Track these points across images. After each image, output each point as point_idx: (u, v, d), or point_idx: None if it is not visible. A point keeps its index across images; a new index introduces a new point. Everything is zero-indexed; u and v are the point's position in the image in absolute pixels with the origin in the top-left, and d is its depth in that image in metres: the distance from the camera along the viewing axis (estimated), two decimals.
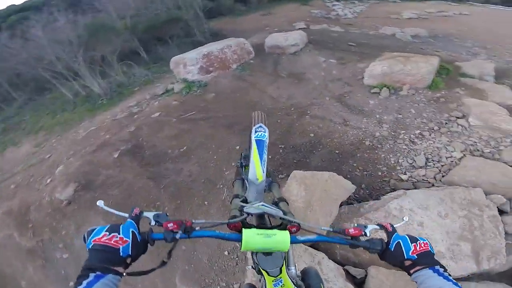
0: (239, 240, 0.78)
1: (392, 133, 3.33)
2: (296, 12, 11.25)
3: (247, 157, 1.51)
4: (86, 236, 0.67)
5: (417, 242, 0.79)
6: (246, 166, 1.46)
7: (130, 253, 0.66)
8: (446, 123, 3.23)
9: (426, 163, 2.80)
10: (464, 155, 2.74)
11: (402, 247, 0.78)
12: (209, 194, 2.98)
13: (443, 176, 2.63)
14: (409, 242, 0.79)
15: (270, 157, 3.25)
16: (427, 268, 0.74)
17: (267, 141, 1.35)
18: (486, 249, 2.04)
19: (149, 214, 0.77)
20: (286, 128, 3.72)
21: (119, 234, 0.67)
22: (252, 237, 0.78)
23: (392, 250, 0.80)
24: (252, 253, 0.94)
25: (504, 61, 6.01)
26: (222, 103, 4.47)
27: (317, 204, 2.33)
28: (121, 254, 0.65)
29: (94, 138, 4.29)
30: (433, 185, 2.60)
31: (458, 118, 3.24)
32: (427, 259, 0.76)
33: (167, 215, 0.78)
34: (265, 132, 1.37)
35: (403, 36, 7.29)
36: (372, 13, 10.83)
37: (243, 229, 0.81)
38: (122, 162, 3.46)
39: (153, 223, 0.76)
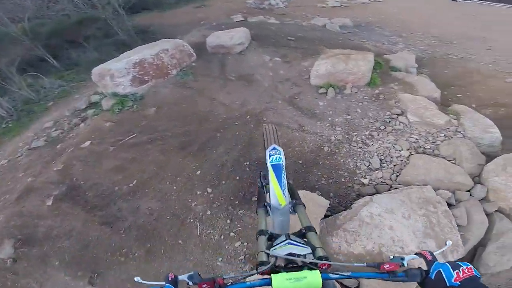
0: (270, 285, 0.78)
1: (346, 136, 3.50)
2: (232, 3, 10.77)
3: (266, 176, 1.41)
4: None
5: (460, 269, 0.76)
6: (267, 185, 1.35)
7: None
8: (390, 121, 3.53)
9: (381, 165, 3.02)
10: (411, 153, 3.04)
11: (443, 275, 0.76)
12: (180, 231, 2.68)
13: (397, 176, 2.89)
14: (451, 270, 0.76)
15: (237, 178, 3.07)
16: None
17: (284, 163, 1.31)
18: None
19: (183, 277, 0.81)
20: (247, 141, 3.56)
21: None
22: (282, 283, 0.77)
23: (433, 279, 0.77)
24: None
25: (418, 49, 6.90)
26: (167, 118, 3.97)
27: (299, 227, 2.32)
28: None
29: (11, 180, 3.37)
30: (391, 186, 2.83)
31: (398, 115, 3.56)
32: (471, 284, 0.73)
33: (199, 274, 0.82)
34: (280, 154, 1.33)
35: (332, 27, 7.69)
36: (301, 2, 11.14)
37: (272, 274, 0.80)
38: (60, 209, 2.80)
39: (190, 283, 0.80)
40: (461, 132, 3.13)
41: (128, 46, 5.60)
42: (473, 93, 4.87)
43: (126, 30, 7.34)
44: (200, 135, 3.67)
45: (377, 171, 2.97)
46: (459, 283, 0.73)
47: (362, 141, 3.38)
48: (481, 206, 2.65)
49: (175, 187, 3.03)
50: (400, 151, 3.09)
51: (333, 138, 3.48)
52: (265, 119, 3.96)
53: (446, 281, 0.74)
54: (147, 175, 3.16)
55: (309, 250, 0.92)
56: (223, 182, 3.03)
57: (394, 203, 2.54)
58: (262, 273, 0.85)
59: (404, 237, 2.34)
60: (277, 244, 0.95)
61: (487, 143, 3.05)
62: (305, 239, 1.06)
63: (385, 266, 0.81)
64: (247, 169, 3.17)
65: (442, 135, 3.15)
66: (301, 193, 2.54)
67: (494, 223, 2.63)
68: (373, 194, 2.78)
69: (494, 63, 5.78)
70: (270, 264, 0.86)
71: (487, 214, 2.66)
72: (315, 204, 2.50)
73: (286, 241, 0.94)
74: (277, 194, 1.20)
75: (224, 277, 0.81)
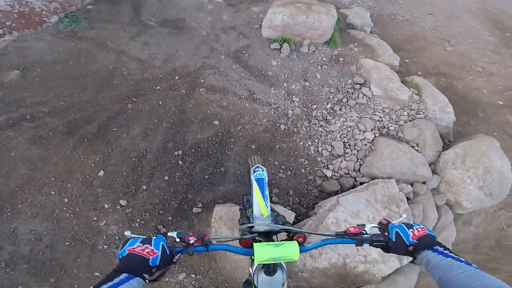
0: (251, 254, 0.84)
1: (305, 110, 2.87)
2: None
3: (249, 200, 1.44)
4: (121, 245, 0.74)
5: (414, 227, 0.83)
6: (250, 208, 1.39)
7: (157, 264, 0.73)
8: (352, 92, 3.03)
9: (344, 150, 2.57)
10: (375, 135, 2.65)
11: (402, 235, 0.82)
12: (93, 261, 1.83)
13: (360, 165, 2.50)
14: (406, 229, 0.83)
15: (166, 178, 2.17)
16: (427, 250, 0.78)
17: (267, 178, 1.40)
18: None
19: (173, 234, 0.84)
20: (176, 115, 2.56)
21: (150, 246, 0.74)
22: (264, 248, 0.83)
23: (394, 240, 0.82)
24: (253, 276, 0.94)
25: (366, 5, 6.38)
26: (41, 84, 2.52)
27: None
28: (150, 263, 0.71)
29: None
30: (355, 179, 2.43)
31: (361, 85, 3.08)
32: (427, 242, 0.79)
33: (188, 232, 0.85)
34: (263, 171, 1.43)
35: None
36: None
37: (254, 243, 0.85)
38: None
39: (177, 240, 0.83)
40: (423, 111, 2.87)
41: None
42: (418, 59, 4.77)
43: None
44: (99, 108, 2.47)
45: (340, 159, 2.51)
46: (416, 241, 0.80)
47: (323, 117, 2.81)
48: (433, 201, 2.53)
49: (66, 199, 1.96)
50: (364, 132, 2.66)
51: (291, 112, 2.81)
52: (202, 81, 2.94)
53: (405, 239, 0.80)
54: (15, 181, 1.96)
55: (286, 227, 0.98)
56: (144, 187, 2.09)
57: (360, 205, 2.18)
58: (245, 242, 0.94)
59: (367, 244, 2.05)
60: (260, 226, 1.02)
61: (444, 124, 2.90)
62: None
63: (350, 229, 0.89)
64: (180, 161, 2.27)
65: (405, 113, 2.83)
66: None
67: (440, 216, 2.57)
68: (337, 191, 2.37)
69: (435, 29, 5.78)
70: (253, 235, 0.97)
71: (436, 207, 2.57)
72: None
73: (268, 223, 1.09)
74: (260, 205, 1.23)
75: (211, 236, 0.87)
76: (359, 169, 2.49)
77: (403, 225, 0.85)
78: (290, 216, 1.99)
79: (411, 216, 2.25)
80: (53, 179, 2.00)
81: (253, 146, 2.50)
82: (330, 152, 2.57)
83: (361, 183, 2.37)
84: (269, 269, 0.89)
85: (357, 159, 2.52)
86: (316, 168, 2.47)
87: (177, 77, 2.91)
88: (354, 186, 2.42)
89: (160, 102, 2.62)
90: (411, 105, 2.90)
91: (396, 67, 3.54)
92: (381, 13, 6.27)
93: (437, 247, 0.77)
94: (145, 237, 0.78)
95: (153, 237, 0.78)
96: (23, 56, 2.73)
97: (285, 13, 3.29)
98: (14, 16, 2.82)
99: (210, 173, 2.31)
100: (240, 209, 1.68)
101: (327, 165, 2.49)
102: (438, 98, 3.05)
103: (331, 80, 3.16)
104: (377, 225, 0.92)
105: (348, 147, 2.60)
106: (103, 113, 2.43)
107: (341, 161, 2.49)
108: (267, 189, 1.33)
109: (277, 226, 0.98)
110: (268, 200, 1.28)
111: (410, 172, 2.41)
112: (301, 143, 2.61)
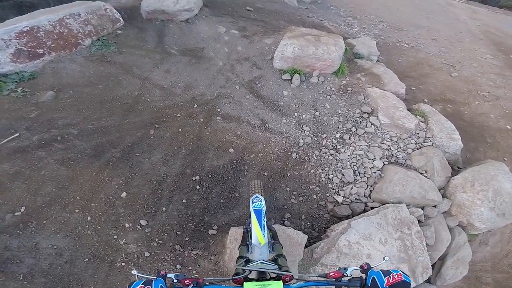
0: None
1: (315, 139, 3.02)
2: None
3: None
4: (128, 286, 0.87)
5: (390, 275, 0.90)
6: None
7: None
8: (361, 121, 3.17)
9: (354, 178, 2.67)
10: (384, 163, 2.75)
11: (377, 282, 0.90)
12: (110, 278, 1.90)
13: (371, 191, 2.59)
14: (383, 276, 0.91)
15: (184, 201, 2.32)
16: None
17: (264, 208, 1.51)
18: (419, 266, 2.21)
19: (171, 275, 0.96)
20: (195, 142, 2.75)
21: (151, 287, 0.87)
22: (251, 286, 0.95)
23: (370, 285, 0.91)
24: None
25: (373, 34, 6.69)
26: (72, 106, 2.75)
27: None
28: None
29: None
30: (366, 204, 2.52)
31: (369, 114, 3.22)
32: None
33: (184, 275, 0.97)
34: (261, 201, 1.54)
35: (290, 1, 6.99)
36: None
37: (244, 283, 0.98)
38: None
39: (175, 281, 0.95)
40: (430, 138, 2.97)
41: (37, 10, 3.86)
42: (424, 86, 4.92)
43: None
44: (124, 133, 2.66)
45: (350, 186, 2.61)
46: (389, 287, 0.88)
47: (333, 145, 2.95)
48: (445, 223, 2.59)
49: (89, 218, 2.11)
50: (373, 160, 2.77)
51: (301, 141, 2.96)
52: (219, 110, 3.15)
53: (379, 285, 0.89)
54: (42, 198, 2.13)
55: (276, 267, 1.11)
56: (163, 208, 2.24)
57: (371, 228, 2.26)
58: (238, 281, 1.03)
59: (382, 265, 2.11)
60: (252, 264, 1.13)
61: (452, 152, 2.98)
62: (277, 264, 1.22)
63: (330, 274, 0.99)
64: (198, 186, 2.42)
65: (413, 141, 2.94)
66: (276, 227, 2.01)
67: (454, 237, 2.62)
68: (349, 216, 2.46)
69: (440, 55, 5.98)
70: (244, 274, 1.06)
71: (449, 228, 2.63)
72: (292, 244, 2.02)
73: (260, 261, 1.13)
74: (258, 234, 1.34)
75: (204, 278, 0.98)
76: (370, 195, 2.58)
77: (380, 272, 0.93)
78: (302, 238, 2.07)
79: (423, 238, 2.32)
80: (78, 198, 2.16)
81: (266, 173, 2.63)
82: (341, 179, 2.67)
83: (372, 208, 2.46)
84: None
85: (367, 186, 2.61)
86: (327, 194, 2.57)
87: (195, 105, 3.14)
88: (365, 211, 2.51)
89: (180, 129, 2.82)
90: (418, 133, 3.01)
91: (402, 95, 3.69)
92: (386, 41, 6.56)
93: None
94: (147, 279, 0.90)
95: (154, 280, 0.90)
96: (58, 77, 2.98)
97: (295, 45, 3.55)
98: (54, 36, 3.07)
99: (225, 197, 2.44)
100: (243, 232, 1.79)
101: (338, 191, 2.59)
102: (445, 125, 3.15)
103: (340, 110, 3.33)
104: (358, 268, 1.00)
105: (358, 174, 2.70)
106: (128, 138, 2.63)
107: (352, 188, 2.59)
108: (265, 219, 1.44)
109: (267, 266, 1.09)
110: (266, 230, 1.39)
111: (420, 196, 2.48)
112: (312, 170, 2.73)
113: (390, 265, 2.17)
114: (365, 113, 3.24)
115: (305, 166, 2.75)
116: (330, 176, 2.68)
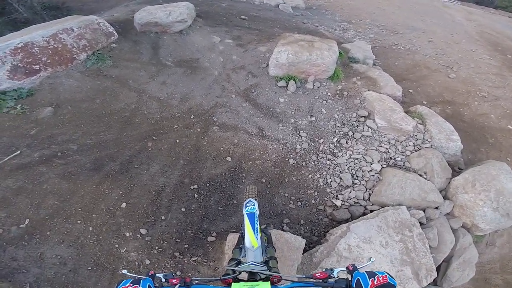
0: None
1: (312, 144, 3.02)
2: None
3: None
4: (116, 285, 0.89)
5: (375, 277, 0.89)
6: None
7: None
8: (357, 125, 3.17)
9: (352, 181, 2.65)
10: (382, 166, 2.73)
11: (361, 283, 0.89)
12: (112, 284, 1.95)
13: (370, 195, 2.56)
14: (367, 278, 0.90)
15: (183, 210, 2.32)
16: None
17: (257, 212, 1.51)
18: (422, 268, 2.17)
19: (160, 275, 0.97)
20: (192, 152, 2.76)
21: (139, 286, 0.88)
22: (239, 287, 0.95)
23: (354, 286, 0.90)
24: None
25: (368, 38, 6.75)
26: (71, 122, 2.80)
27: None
28: None
29: None
30: (365, 207, 2.49)
31: (365, 118, 3.22)
32: None
33: (173, 274, 0.99)
34: (254, 205, 1.54)
35: (285, 8, 7.11)
36: None
37: (232, 283, 0.98)
38: None
39: (163, 280, 0.96)
40: (428, 140, 2.94)
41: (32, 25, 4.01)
42: (422, 88, 4.91)
43: (30, 6, 5.41)
44: (123, 146, 2.70)
45: (349, 189, 2.59)
46: None
47: (330, 150, 2.94)
48: (448, 225, 2.54)
49: (90, 228, 2.12)
50: (371, 164, 2.75)
51: (299, 147, 2.96)
52: (215, 119, 3.18)
53: (363, 287, 0.88)
54: (45, 211, 2.16)
55: (266, 268, 1.10)
56: (162, 217, 2.25)
57: (372, 231, 2.23)
58: (227, 282, 1.03)
59: (384, 267, 2.16)
60: (242, 265, 1.13)
61: (452, 153, 2.95)
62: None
63: (316, 274, 0.99)
64: (196, 195, 2.43)
65: (411, 143, 2.92)
66: (274, 233, 2.01)
67: (458, 239, 2.57)
68: (348, 219, 2.43)
69: (437, 57, 5.99)
70: (234, 275, 1.08)
71: (452, 230, 2.58)
72: (290, 248, 2.00)
73: (250, 263, 1.13)
74: (251, 237, 1.34)
75: (192, 278, 0.99)
76: (369, 198, 2.55)
77: (365, 274, 0.92)
78: (300, 243, 2.05)
79: (426, 240, 2.27)
80: (79, 209, 2.19)
81: (264, 180, 2.62)
82: (339, 183, 2.65)
83: (371, 211, 2.43)
84: None
85: (366, 189, 2.59)
86: (326, 199, 2.55)
87: (192, 116, 3.16)
88: (364, 214, 2.48)
89: (177, 141, 2.83)
90: (416, 135, 2.99)
91: (399, 98, 3.69)
92: (382, 44, 6.60)
93: None
94: (135, 278, 0.91)
95: (142, 279, 0.91)
96: (55, 93, 3.04)
97: (289, 52, 3.59)
98: (49, 52, 3.13)
99: (223, 205, 2.44)
100: (239, 236, 1.80)
101: (337, 196, 2.56)
102: (443, 126, 3.13)
103: (336, 114, 3.33)
104: (344, 269, 1.00)
105: (356, 178, 2.68)
106: (126, 151, 2.66)
107: (350, 191, 2.57)
108: (258, 222, 1.44)
109: (257, 267, 1.08)
110: (259, 233, 1.38)
111: (420, 198, 2.45)
112: (310, 176, 2.72)
113: (392, 267, 2.14)
114: (361, 116, 3.24)
115: (303, 172, 2.74)
116: (328, 181, 2.66)
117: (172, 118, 3.11)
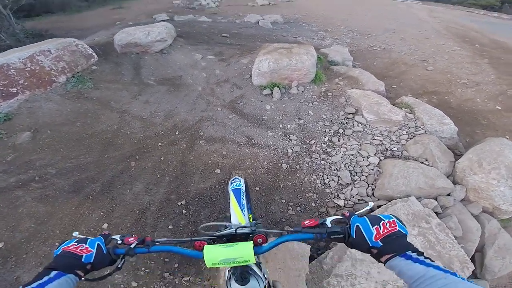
0: (201, 257, 0.76)
1: (304, 146, 2.90)
2: (155, 4, 9.33)
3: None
4: (58, 245, 0.75)
5: (380, 223, 0.66)
6: None
7: (91, 261, 0.72)
8: (347, 122, 3.09)
9: (352, 178, 2.51)
10: (380, 159, 2.62)
11: (363, 233, 0.67)
12: None
13: (373, 190, 2.41)
14: (370, 225, 0.67)
15: (170, 227, 2.11)
16: (398, 256, 0.61)
17: (244, 187, 1.35)
18: (454, 261, 1.96)
19: (116, 236, 0.84)
20: (178, 168, 2.59)
21: (85, 244, 0.74)
22: (214, 249, 0.76)
23: (355, 237, 0.68)
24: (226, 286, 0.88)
25: (345, 43, 6.95)
26: (50, 146, 2.66)
27: None
28: (83, 260, 0.71)
29: None
30: None
31: (353, 114, 3.16)
32: (396, 246, 0.62)
33: (131, 234, 0.86)
34: (240, 181, 1.38)
35: (265, 24, 7.33)
36: (232, 1, 10.58)
37: (205, 246, 0.78)
38: None
39: (119, 241, 0.83)
40: (421, 127, 2.88)
41: None
42: (405, 83, 4.96)
43: (13, 33, 5.45)
44: (104, 168, 2.54)
45: (349, 187, 2.44)
46: (381, 243, 0.64)
47: (323, 150, 2.82)
48: (467, 211, 2.36)
49: None
50: (367, 158, 2.64)
51: (290, 151, 2.83)
52: (202, 133, 3.04)
53: (367, 239, 0.66)
54: (21, 234, 1.99)
55: (249, 228, 0.88)
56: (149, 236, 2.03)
57: None
58: (199, 245, 0.82)
59: (366, 212, 1.86)
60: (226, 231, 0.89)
61: (448, 136, 2.88)
62: None
63: (305, 223, 0.80)
64: (184, 211, 2.22)
65: (405, 132, 2.84)
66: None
67: (484, 225, 2.36)
68: None
69: (411, 53, 6.16)
70: (208, 237, 0.85)
71: (474, 217, 2.39)
72: (293, 257, 1.79)
73: (233, 229, 0.87)
74: (237, 214, 1.19)
75: (156, 239, 0.83)
76: (373, 193, 2.39)
77: (366, 218, 0.70)
78: (304, 249, 1.84)
79: (448, 230, 2.07)
80: (58, 232, 1.99)
81: (257, 188, 2.45)
82: (338, 182, 2.51)
83: (379, 206, 2.25)
84: (240, 275, 0.83)
85: (368, 184, 2.44)
86: (327, 200, 2.38)
87: (177, 132, 3.03)
88: (372, 211, 2.29)
89: (162, 158, 2.67)
90: (407, 124, 2.93)
91: (383, 92, 3.67)
92: (359, 47, 6.78)
93: (409, 252, 0.61)
94: (82, 238, 0.78)
95: (90, 238, 0.78)
96: (34, 117, 2.90)
97: (270, 60, 3.57)
98: (27, 74, 3.01)
99: (215, 219, 2.25)
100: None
101: (338, 195, 2.40)
102: (432, 112, 3.09)
103: (324, 115, 3.26)
104: (340, 217, 0.80)
105: (355, 174, 2.54)
106: (108, 172, 2.48)
107: (351, 189, 2.41)
108: (245, 198, 1.29)
109: (233, 229, 0.87)
110: (246, 209, 1.23)
111: (428, 186, 2.30)
112: (306, 178, 2.57)
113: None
114: (349, 113, 3.17)
115: (298, 175, 2.59)
116: (326, 181, 2.52)
117: (156, 136, 2.96)
